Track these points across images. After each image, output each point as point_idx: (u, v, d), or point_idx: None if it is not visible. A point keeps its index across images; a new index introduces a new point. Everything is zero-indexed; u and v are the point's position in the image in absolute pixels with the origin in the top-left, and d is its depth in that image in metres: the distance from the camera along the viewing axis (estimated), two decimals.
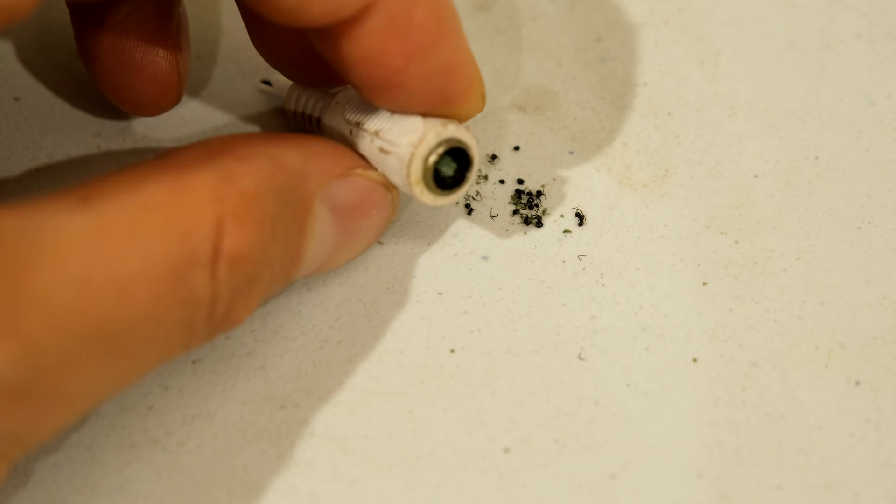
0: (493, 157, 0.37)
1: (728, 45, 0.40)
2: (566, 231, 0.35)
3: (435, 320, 0.34)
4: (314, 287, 0.34)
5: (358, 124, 0.32)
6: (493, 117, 0.38)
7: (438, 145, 0.30)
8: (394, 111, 0.31)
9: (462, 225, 0.35)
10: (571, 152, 0.37)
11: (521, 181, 0.36)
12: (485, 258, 0.35)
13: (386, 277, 0.34)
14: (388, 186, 0.32)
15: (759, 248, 0.35)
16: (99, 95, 0.37)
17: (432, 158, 0.30)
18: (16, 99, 0.38)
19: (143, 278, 0.24)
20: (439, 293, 0.34)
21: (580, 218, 0.36)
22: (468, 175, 0.31)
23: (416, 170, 0.30)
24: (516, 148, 0.37)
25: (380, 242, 0.35)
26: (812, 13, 0.41)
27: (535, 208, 0.36)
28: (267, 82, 0.37)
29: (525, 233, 0.35)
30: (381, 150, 0.31)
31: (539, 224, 0.36)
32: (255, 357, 0.33)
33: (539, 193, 0.36)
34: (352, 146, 0.32)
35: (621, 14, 0.40)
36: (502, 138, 0.37)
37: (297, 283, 0.34)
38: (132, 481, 0.30)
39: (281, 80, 0.37)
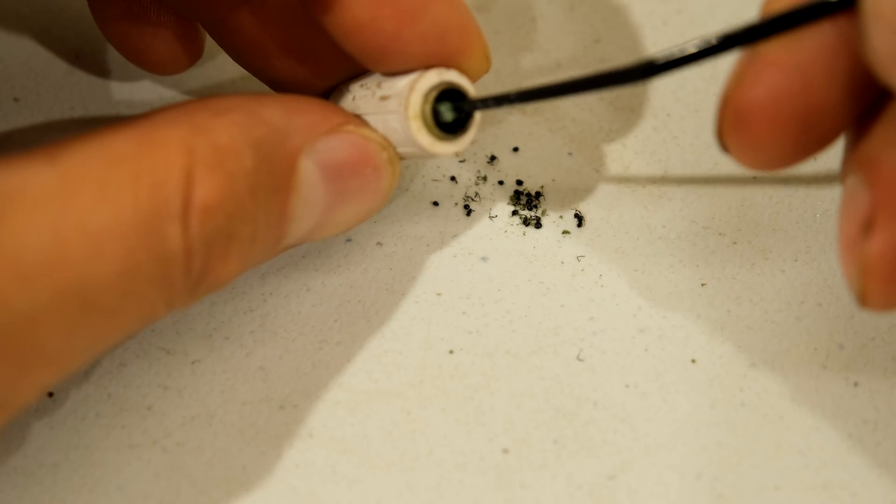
0: (493, 157, 0.37)
1: None
2: (565, 232, 0.35)
3: (434, 321, 0.34)
4: (313, 288, 0.34)
5: (361, 86, 0.31)
6: (492, 118, 0.38)
7: (440, 84, 0.30)
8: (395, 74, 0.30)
9: (461, 226, 0.35)
10: (570, 153, 0.37)
11: (520, 182, 0.36)
12: (484, 259, 0.35)
13: (385, 278, 0.34)
14: (384, 145, 0.31)
15: (757, 249, 0.35)
16: (98, 95, 0.37)
17: (432, 94, 0.30)
18: (15, 100, 0.38)
19: (114, 232, 0.24)
20: (438, 294, 0.34)
21: (579, 219, 0.36)
22: (470, 123, 0.30)
23: (415, 103, 0.29)
24: (515, 149, 0.37)
25: (379, 244, 0.35)
26: None
27: (535, 209, 0.36)
28: None
29: (524, 234, 0.35)
30: (382, 97, 0.30)
31: (538, 225, 0.36)
32: (255, 358, 0.33)
33: (538, 194, 0.36)
34: (355, 110, 0.31)
35: (620, 15, 0.40)
36: (501, 139, 0.37)
37: (295, 284, 0.34)
38: (131, 481, 0.30)
39: None
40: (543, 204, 0.36)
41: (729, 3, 0.41)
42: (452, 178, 0.36)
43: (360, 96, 0.31)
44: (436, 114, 0.30)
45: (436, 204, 0.36)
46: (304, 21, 0.32)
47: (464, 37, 0.30)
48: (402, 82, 0.30)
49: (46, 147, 0.25)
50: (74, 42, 0.39)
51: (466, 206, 0.36)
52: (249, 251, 0.28)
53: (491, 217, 0.36)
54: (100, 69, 0.38)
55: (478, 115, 0.31)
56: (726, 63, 0.39)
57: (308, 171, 0.29)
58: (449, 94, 0.30)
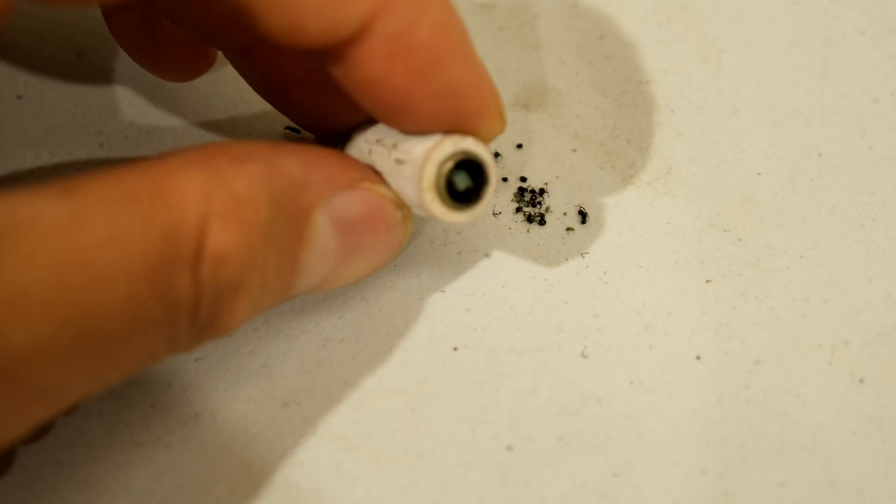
0: (496, 154, 0.37)
1: (731, 43, 0.40)
2: (569, 229, 0.35)
3: (438, 318, 0.33)
4: None
5: (377, 141, 0.31)
6: None
7: (455, 154, 0.29)
8: (411, 132, 0.30)
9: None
10: (574, 150, 0.37)
11: (523, 179, 0.36)
12: (488, 256, 0.35)
13: (389, 275, 0.34)
14: (399, 204, 0.30)
15: (762, 246, 0.35)
16: (101, 93, 0.37)
17: (447, 165, 0.29)
18: (18, 97, 0.38)
19: (120, 273, 0.24)
20: (442, 291, 0.34)
21: (583, 216, 0.36)
22: (484, 192, 0.30)
23: (429, 174, 0.29)
24: (519, 146, 0.37)
25: None
26: (815, 10, 0.40)
27: (538, 206, 0.36)
28: (292, 129, 0.37)
29: (528, 231, 0.35)
30: (398, 160, 0.30)
31: (542, 222, 0.35)
32: (258, 355, 0.33)
33: (542, 191, 0.36)
34: (370, 165, 0.31)
35: (624, 11, 0.40)
36: (505, 136, 0.37)
37: None
38: (135, 479, 0.30)
39: None
40: (547, 201, 0.36)
41: None
42: None
43: (376, 152, 0.31)
44: (450, 182, 0.29)
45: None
46: (308, 84, 0.32)
47: (479, 96, 0.29)
48: (418, 149, 0.29)
49: (61, 180, 0.24)
50: (78, 39, 0.39)
51: None
52: (258, 300, 0.28)
53: (495, 214, 0.36)
54: (103, 67, 0.38)
55: (493, 184, 0.30)
56: (730, 60, 0.39)
57: (322, 224, 0.29)
58: (465, 163, 0.30)
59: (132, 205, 0.24)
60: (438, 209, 0.29)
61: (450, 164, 0.29)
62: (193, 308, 0.25)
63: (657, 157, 0.37)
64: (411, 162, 0.29)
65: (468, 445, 0.31)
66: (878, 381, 0.32)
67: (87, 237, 0.24)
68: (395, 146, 0.30)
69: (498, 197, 0.36)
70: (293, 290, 0.29)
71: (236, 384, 0.32)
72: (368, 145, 0.31)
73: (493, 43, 0.40)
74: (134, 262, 0.24)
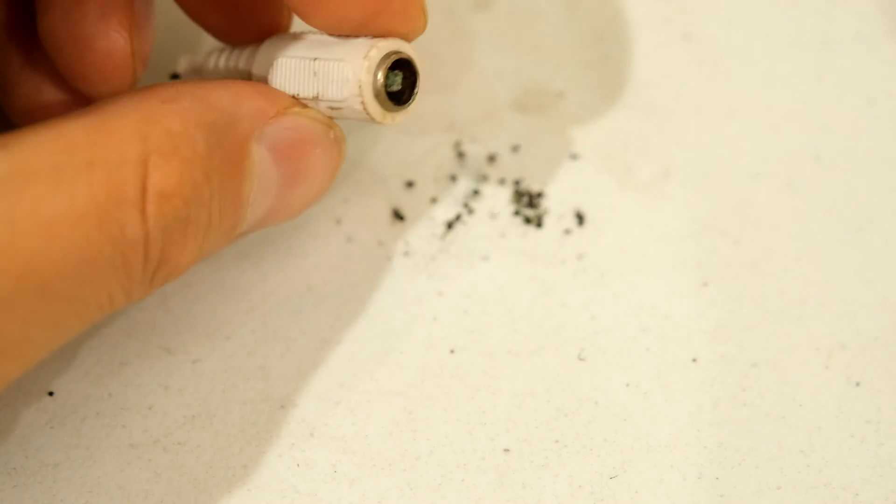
0: (493, 157, 0.37)
1: (728, 45, 0.40)
2: (566, 231, 0.35)
3: (435, 320, 0.34)
4: (314, 287, 0.34)
5: (292, 57, 0.31)
6: (492, 117, 0.38)
7: (387, 56, 0.29)
8: (327, 30, 0.30)
9: (462, 225, 0.35)
10: (572, 152, 0.37)
11: (520, 181, 0.36)
12: (485, 258, 0.35)
13: (386, 278, 0.34)
14: (329, 124, 0.31)
15: (759, 249, 0.35)
16: None
17: (381, 73, 0.29)
18: None
19: (70, 219, 0.24)
20: (439, 293, 0.34)
21: (580, 218, 0.36)
22: (416, 89, 0.30)
23: (367, 85, 0.29)
24: (515, 148, 0.37)
25: (380, 243, 0.35)
26: (812, 13, 0.41)
27: (536, 208, 0.36)
28: (175, 75, 0.36)
29: (525, 233, 0.35)
30: (323, 71, 0.30)
31: (539, 224, 0.36)
32: (256, 357, 0.33)
33: (539, 194, 0.36)
34: (287, 81, 0.31)
35: (622, 14, 0.40)
36: (502, 138, 0.37)
37: (297, 284, 0.34)
38: (132, 481, 0.30)
39: (186, 65, 0.35)
40: (545, 203, 0.36)
41: (731, 0, 0.41)
42: (452, 178, 0.36)
43: (291, 68, 0.31)
44: (387, 87, 0.30)
45: (435, 202, 0.36)
46: None
47: None
48: (349, 59, 0.29)
49: None
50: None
51: (467, 205, 0.36)
52: (206, 237, 0.28)
53: (492, 216, 0.36)
54: None
55: (421, 84, 0.30)
56: (728, 63, 0.39)
57: (259, 155, 0.29)
58: (395, 63, 0.30)
59: (73, 153, 0.25)
60: (377, 112, 0.30)
61: (387, 63, 0.29)
62: (145, 247, 0.26)
63: (654, 159, 0.37)
64: (342, 74, 0.29)
65: (465, 448, 0.31)
66: (875, 385, 0.32)
67: (34, 188, 0.24)
68: (315, 60, 0.30)
69: (495, 199, 0.36)
70: (240, 226, 0.30)
71: (233, 386, 0.32)
72: (282, 60, 0.31)
73: (491, 44, 0.40)
74: (82, 207, 0.24)
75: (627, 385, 0.32)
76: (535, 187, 0.36)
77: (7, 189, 0.24)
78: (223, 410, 0.32)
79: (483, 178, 0.37)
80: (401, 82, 0.30)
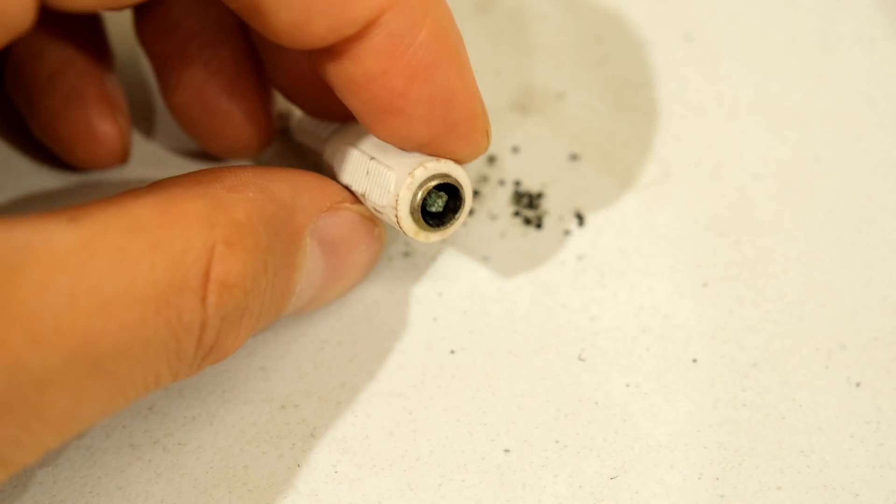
0: (493, 158, 0.37)
1: (728, 46, 0.40)
2: (566, 232, 0.35)
3: (435, 321, 0.34)
4: None
5: (357, 148, 0.31)
6: (493, 118, 0.38)
7: (431, 178, 0.29)
8: (394, 144, 0.30)
9: (462, 225, 0.35)
10: (571, 153, 0.37)
11: (521, 182, 0.36)
12: (485, 259, 0.35)
13: (386, 278, 0.34)
14: (375, 221, 0.31)
15: (759, 250, 0.35)
16: None
17: (426, 187, 0.29)
18: None
19: (129, 299, 0.24)
20: (439, 294, 0.34)
21: (580, 219, 0.36)
22: (458, 215, 0.30)
23: (405, 201, 0.29)
24: (515, 149, 0.37)
25: None
26: (812, 14, 0.41)
27: (536, 209, 0.36)
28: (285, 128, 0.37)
29: (525, 234, 0.35)
30: (371, 173, 0.30)
31: (539, 225, 0.36)
32: (256, 358, 0.33)
33: (539, 194, 0.36)
34: (345, 171, 0.31)
35: (622, 15, 0.40)
36: (502, 139, 0.37)
37: None
38: (132, 482, 0.30)
39: (297, 123, 0.36)
40: (544, 204, 0.36)
41: (731, 1, 0.41)
42: None
43: (353, 159, 0.31)
44: (424, 203, 0.30)
45: None
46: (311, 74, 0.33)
47: (470, 106, 0.29)
48: (396, 168, 0.30)
49: (68, 208, 0.25)
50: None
51: None
52: (256, 324, 0.28)
53: (492, 217, 0.36)
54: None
55: (467, 208, 0.31)
56: (728, 64, 0.39)
57: (310, 247, 0.30)
58: (441, 185, 0.30)
59: (139, 233, 0.25)
60: (411, 228, 0.30)
61: (423, 192, 0.30)
62: (200, 333, 0.26)
63: (654, 160, 0.37)
64: (385, 182, 0.30)
65: (465, 448, 0.31)
66: (875, 385, 0.32)
67: (97, 264, 0.24)
68: (373, 159, 0.30)
69: (495, 200, 0.36)
70: (283, 311, 0.30)
71: (234, 387, 0.32)
72: (348, 148, 0.31)
73: (491, 46, 0.40)
74: (143, 289, 0.24)
75: (627, 385, 0.32)
76: (534, 188, 0.36)
77: (72, 263, 0.24)
78: (223, 411, 0.32)
79: (483, 178, 0.37)
80: (442, 204, 0.30)
